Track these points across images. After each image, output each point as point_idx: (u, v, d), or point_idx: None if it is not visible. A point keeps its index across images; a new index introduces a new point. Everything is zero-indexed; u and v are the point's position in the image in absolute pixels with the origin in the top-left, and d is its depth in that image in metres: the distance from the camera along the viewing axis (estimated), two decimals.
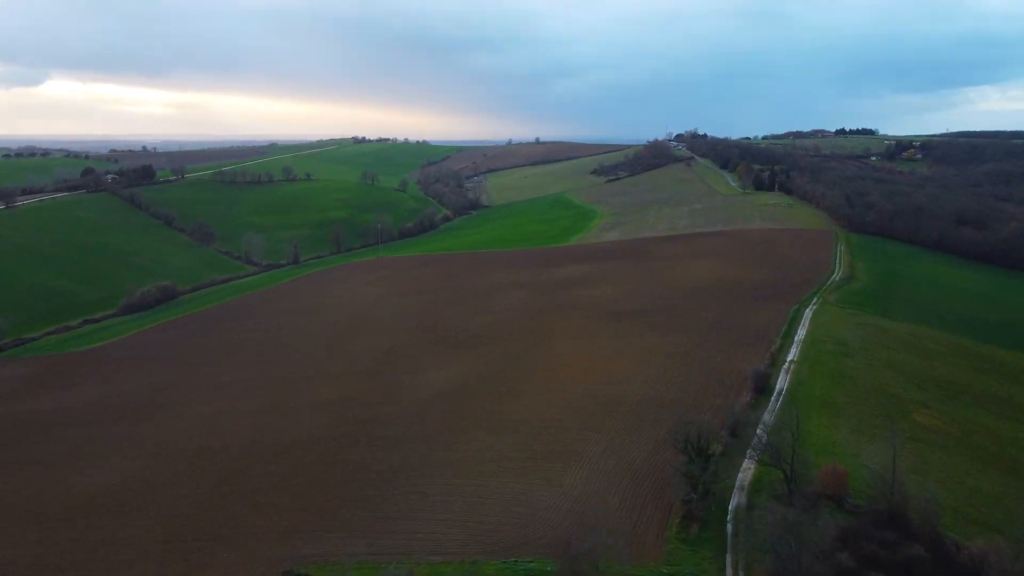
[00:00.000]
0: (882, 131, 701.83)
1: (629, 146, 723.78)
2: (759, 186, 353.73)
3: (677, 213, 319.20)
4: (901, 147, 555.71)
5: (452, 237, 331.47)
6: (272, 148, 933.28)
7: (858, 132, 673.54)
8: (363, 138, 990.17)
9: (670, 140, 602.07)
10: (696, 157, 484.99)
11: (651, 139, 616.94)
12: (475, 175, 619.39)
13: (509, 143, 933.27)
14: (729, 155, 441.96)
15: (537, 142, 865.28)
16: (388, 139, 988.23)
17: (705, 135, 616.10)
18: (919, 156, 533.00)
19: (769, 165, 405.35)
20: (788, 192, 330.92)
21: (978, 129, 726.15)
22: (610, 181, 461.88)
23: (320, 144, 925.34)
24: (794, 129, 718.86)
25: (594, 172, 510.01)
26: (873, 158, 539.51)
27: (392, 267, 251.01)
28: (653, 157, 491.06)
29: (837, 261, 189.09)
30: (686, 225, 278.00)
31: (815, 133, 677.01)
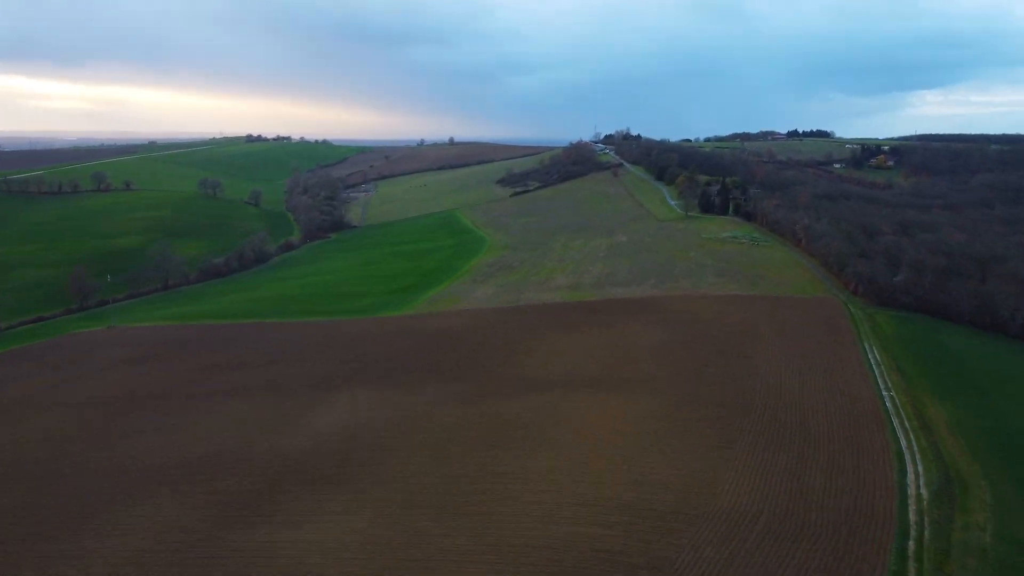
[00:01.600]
0: (838, 134, 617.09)
1: (552, 148, 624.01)
2: (707, 207, 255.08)
3: (591, 249, 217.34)
4: (869, 152, 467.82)
5: (249, 287, 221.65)
6: (150, 147, 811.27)
7: (813, 134, 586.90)
8: (257, 136, 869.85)
9: (596, 142, 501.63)
10: (626, 164, 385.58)
11: (576, 140, 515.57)
12: (364, 183, 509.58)
13: (421, 144, 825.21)
14: (666, 162, 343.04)
15: (451, 143, 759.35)
16: (286, 138, 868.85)
17: (638, 136, 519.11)
18: (891, 163, 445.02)
19: (717, 176, 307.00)
20: (748, 217, 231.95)
21: (930, 132, 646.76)
22: (516, 195, 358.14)
23: (212, 143, 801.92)
24: (740, 131, 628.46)
25: (500, 182, 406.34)
26: (836, 165, 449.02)
27: (84, 353, 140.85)
28: (572, 163, 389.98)
29: (892, 413, 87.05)
30: (599, 276, 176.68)
31: (765, 135, 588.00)
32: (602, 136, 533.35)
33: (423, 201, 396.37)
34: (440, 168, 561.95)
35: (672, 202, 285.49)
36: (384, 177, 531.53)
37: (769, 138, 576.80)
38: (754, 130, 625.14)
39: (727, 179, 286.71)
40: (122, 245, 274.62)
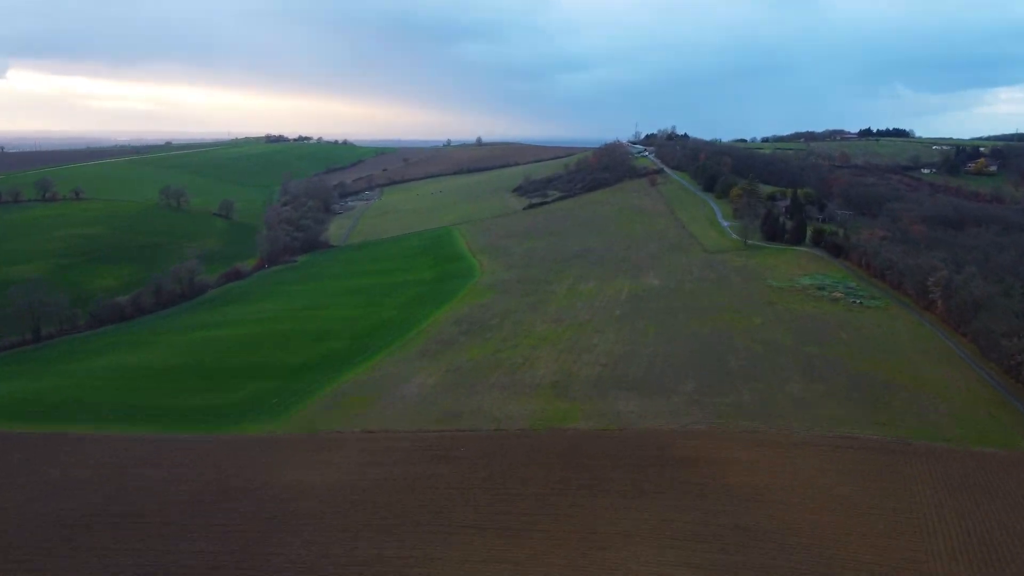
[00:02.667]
0: (917, 133, 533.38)
1: (586, 149, 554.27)
2: (773, 231, 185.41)
3: (606, 299, 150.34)
4: (965, 155, 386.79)
5: (127, 344, 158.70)
6: (166, 147, 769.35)
7: (889, 133, 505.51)
8: (278, 137, 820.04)
9: (634, 142, 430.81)
10: (667, 170, 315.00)
11: (612, 140, 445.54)
12: (369, 189, 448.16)
13: (448, 144, 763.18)
14: (717, 168, 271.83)
15: (478, 143, 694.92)
16: (307, 138, 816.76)
17: (684, 136, 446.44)
18: (993, 167, 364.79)
19: (783, 187, 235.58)
20: (835, 251, 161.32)
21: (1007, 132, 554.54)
22: (531, 207, 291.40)
23: (227, 144, 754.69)
24: (803, 130, 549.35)
25: (517, 190, 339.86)
26: (925, 171, 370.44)
27: None
28: (601, 169, 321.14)
29: None
30: (605, 366, 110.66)
31: (832, 134, 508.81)
32: (642, 136, 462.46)
33: (424, 213, 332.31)
34: (457, 172, 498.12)
35: (725, 223, 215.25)
36: (395, 183, 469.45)
37: (838, 138, 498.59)
38: (816, 128, 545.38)
39: (798, 191, 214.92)
40: (18, 275, 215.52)
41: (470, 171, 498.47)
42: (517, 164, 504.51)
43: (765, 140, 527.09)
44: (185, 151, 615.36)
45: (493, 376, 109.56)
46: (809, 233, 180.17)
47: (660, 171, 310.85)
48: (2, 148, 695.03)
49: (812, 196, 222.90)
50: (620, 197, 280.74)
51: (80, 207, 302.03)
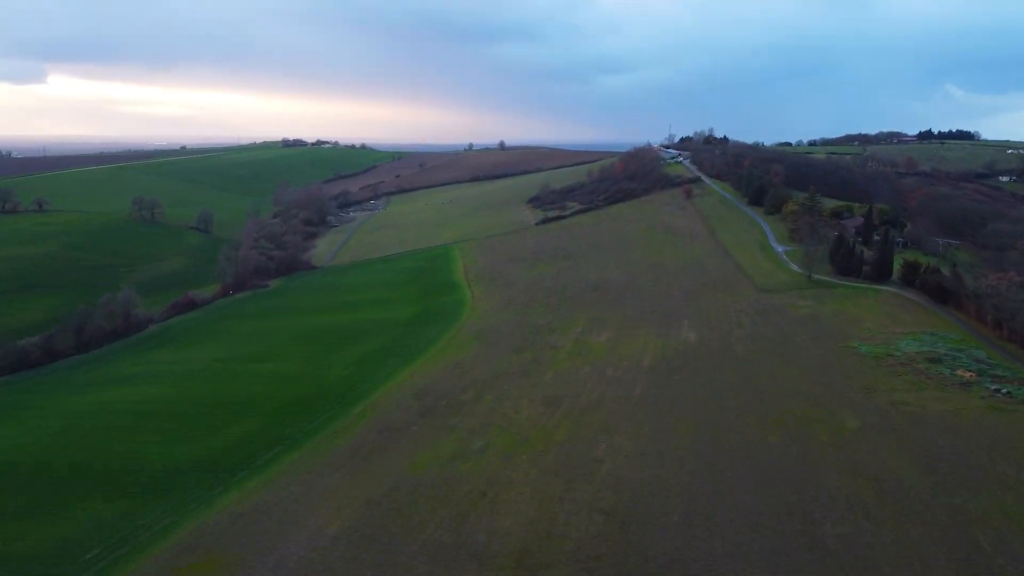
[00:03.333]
0: (983, 135, 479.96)
1: (615, 154, 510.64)
2: (846, 264, 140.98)
3: (623, 365, 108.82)
4: None
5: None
6: (182, 151, 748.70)
7: (952, 136, 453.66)
8: (294, 141, 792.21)
9: (667, 147, 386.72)
10: (704, 179, 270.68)
11: (643, 144, 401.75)
12: (375, 198, 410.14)
13: (470, 148, 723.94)
14: (765, 178, 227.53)
15: (500, 147, 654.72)
16: (326, 142, 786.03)
17: (724, 139, 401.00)
18: None
19: (849, 202, 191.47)
20: (940, 296, 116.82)
21: None
22: (545, 222, 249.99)
23: (243, 148, 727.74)
24: (853, 132, 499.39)
25: (533, 201, 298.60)
26: (1004, 178, 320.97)
27: None
28: (628, 178, 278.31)
29: None
30: (608, 517, 66.17)
31: (889, 137, 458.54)
32: (676, 139, 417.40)
33: (427, 227, 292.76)
34: (474, 179, 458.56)
35: (780, 248, 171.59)
36: (404, 191, 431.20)
37: (895, 140, 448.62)
38: (866, 131, 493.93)
39: (874, 207, 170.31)
40: None
41: (488, 178, 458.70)
42: (539, 170, 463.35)
43: (812, 143, 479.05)
44: (186, 156, 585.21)
45: (430, 525, 68.25)
46: (897, 267, 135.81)
47: (696, 180, 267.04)
48: (9, 153, 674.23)
49: (888, 214, 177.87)
50: (649, 212, 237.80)
51: (36, 220, 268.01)
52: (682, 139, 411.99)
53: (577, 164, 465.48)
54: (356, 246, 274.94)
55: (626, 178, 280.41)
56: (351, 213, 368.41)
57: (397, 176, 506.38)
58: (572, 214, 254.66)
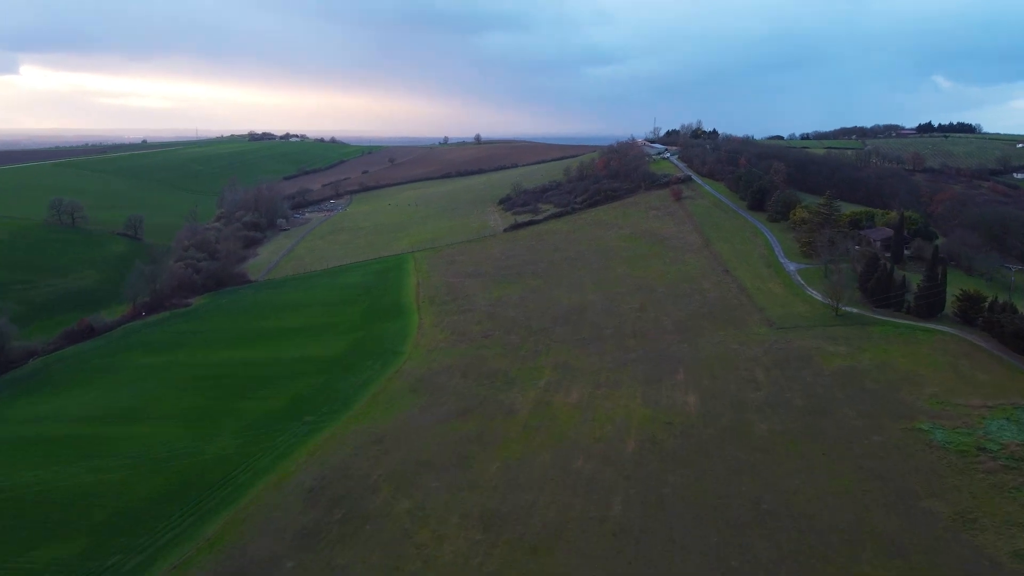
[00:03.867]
0: (983, 128, 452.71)
1: (595, 149, 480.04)
2: (882, 293, 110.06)
3: (600, 435, 79.92)
4: None
5: None
6: (142, 145, 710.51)
7: (954, 129, 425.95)
8: (262, 135, 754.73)
9: (652, 141, 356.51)
10: (695, 178, 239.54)
11: (626, 138, 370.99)
12: (336, 196, 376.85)
13: (444, 142, 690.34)
14: (766, 178, 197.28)
15: (476, 141, 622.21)
16: (296, 136, 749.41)
17: (713, 133, 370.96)
18: None
19: (864, 207, 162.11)
20: (1015, 340, 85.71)
21: None
22: (515, 228, 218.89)
23: (208, 143, 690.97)
24: (846, 125, 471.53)
25: (504, 202, 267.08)
26: (1018, 175, 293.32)
27: None
28: (610, 176, 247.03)
29: None
30: None
31: (887, 130, 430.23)
32: (661, 132, 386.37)
33: (385, 232, 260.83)
34: (445, 176, 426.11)
35: (790, 266, 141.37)
36: (369, 188, 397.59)
37: (893, 134, 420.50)
38: (857, 123, 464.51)
39: (904, 214, 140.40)
40: None
41: (461, 174, 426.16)
42: (515, 166, 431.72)
43: (805, 137, 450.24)
44: (144, 151, 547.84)
45: None
46: (950, 299, 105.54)
47: (686, 180, 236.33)
48: None
49: (918, 222, 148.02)
50: (633, 217, 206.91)
51: None
52: (668, 133, 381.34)
53: (555, 159, 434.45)
54: (302, 255, 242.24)
55: (607, 176, 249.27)
56: (307, 214, 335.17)
57: (364, 172, 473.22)
58: (546, 218, 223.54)
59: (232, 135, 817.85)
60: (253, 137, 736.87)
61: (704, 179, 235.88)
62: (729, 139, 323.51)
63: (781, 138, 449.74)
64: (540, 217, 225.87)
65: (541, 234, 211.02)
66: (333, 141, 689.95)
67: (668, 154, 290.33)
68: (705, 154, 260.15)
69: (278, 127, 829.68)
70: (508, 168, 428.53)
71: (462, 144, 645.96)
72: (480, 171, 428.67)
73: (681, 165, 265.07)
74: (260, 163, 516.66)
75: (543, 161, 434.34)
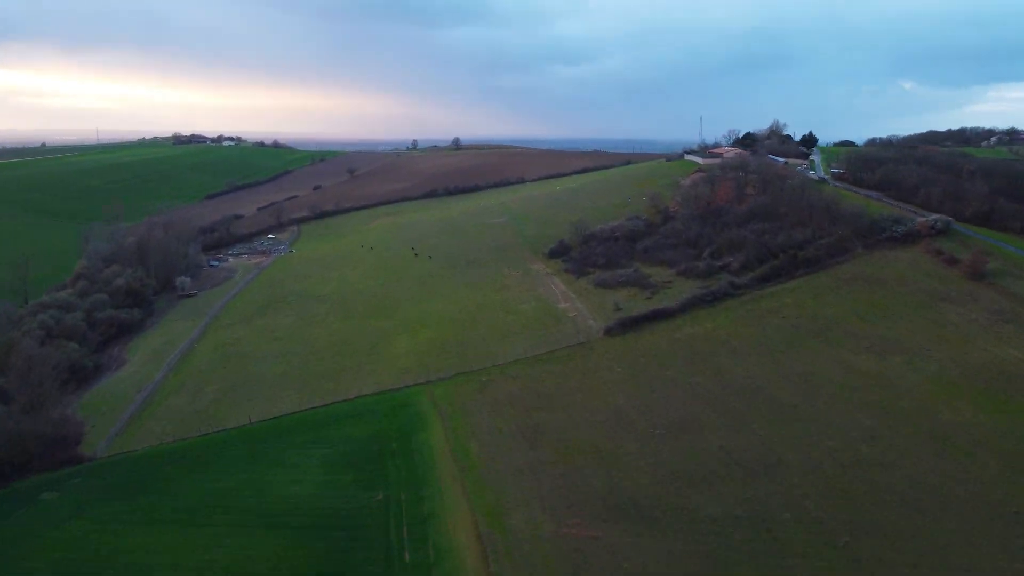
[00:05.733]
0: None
1: (616, 155, 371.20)
2: None
3: None
4: None
5: None
6: (42, 149, 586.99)
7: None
8: (189, 137, 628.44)
9: (706, 149, 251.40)
10: (954, 224, 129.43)
11: (696, 144, 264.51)
12: (276, 227, 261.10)
13: (414, 147, 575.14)
14: None
15: (455, 146, 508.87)
16: (230, 139, 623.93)
17: (810, 136, 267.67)
18: None
19: None
20: None
21: None
22: (623, 329, 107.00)
23: (119, 147, 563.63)
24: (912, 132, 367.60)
25: (559, 256, 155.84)
26: None
27: None
28: (758, 217, 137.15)
29: None
30: None
31: (1001, 137, 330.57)
32: (734, 137, 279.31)
33: (356, 317, 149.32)
34: (427, 195, 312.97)
35: None
36: (323, 215, 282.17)
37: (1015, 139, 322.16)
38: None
39: None
40: None
41: (449, 192, 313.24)
42: (523, 181, 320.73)
43: (842, 145, 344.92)
44: (27, 158, 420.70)
45: None
46: None
47: (942, 228, 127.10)
48: None
49: None
50: (903, 318, 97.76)
51: None
52: (745, 136, 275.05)
53: (577, 173, 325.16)
54: (202, 373, 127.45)
55: (753, 217, 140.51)
56: (230, 258, 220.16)
57: (317, 188, 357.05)
58: (680, 307, 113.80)
59: (155, 137, 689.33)
60: (178, 140, 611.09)
61: (966, 225, 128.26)
62: (871, 147, 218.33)
63: (853, 144, 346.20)
64: (671, 305, 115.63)
65: (692, 351, 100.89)
66: (276, 145, 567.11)
67: (817, 172, 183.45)
68: (903, 173, 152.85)
69: (215, 128, 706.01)
70: (514, 184, 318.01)
71: (435, 149, 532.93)
72: (475, 188, 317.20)
73: (858, 190, 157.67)
74: (179, 175, 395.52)
75: (560, 175, 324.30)
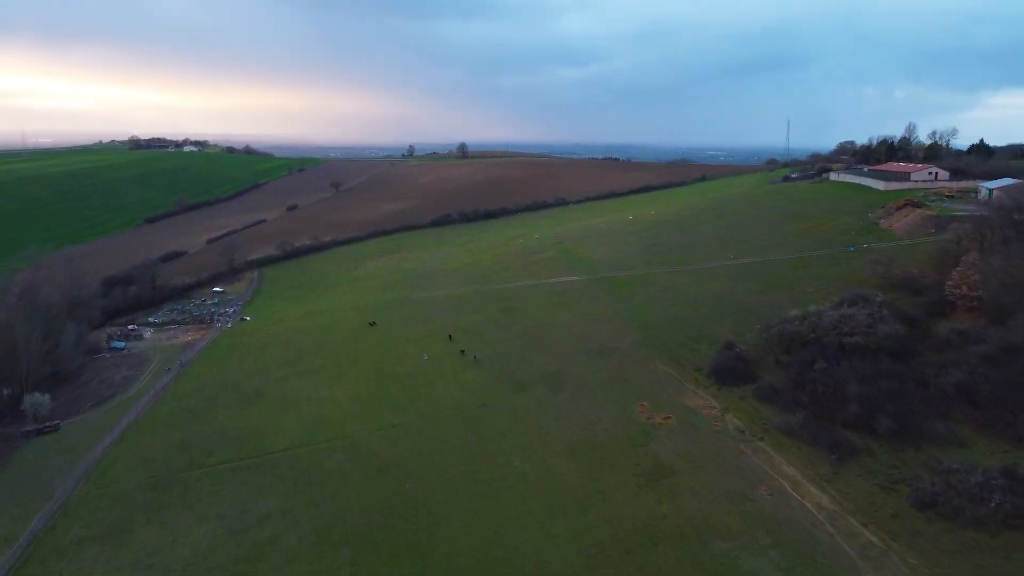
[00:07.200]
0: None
1: (684, 168, 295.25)
2: None
3: None
4: None
5: None
6: None
7: None
8: (149, 141, 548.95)
9: (779, 167, 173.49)
10: None
11: (781, 152, 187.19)
12: (227, 275, 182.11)
13: (410, 153, 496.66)
14: None
15: (461, 153, 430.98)
16: (200, 143, 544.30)
17: (986, 147, 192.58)
18: None
19: None
20: None
21: None
22: None
23: (66, 152, 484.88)
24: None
25: (721, 374, 75.78)
26: None
27: None
28: None
29: None
30: None
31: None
32: (852, 147, 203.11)
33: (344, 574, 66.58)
34: (439, 222, 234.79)
35: None
36: (295, 255, 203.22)
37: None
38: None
39: None
40: None
41: (467, 219, 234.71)
42: (567, 203, 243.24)
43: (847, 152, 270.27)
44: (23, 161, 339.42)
45: None
46: None
47: None
48: None
49: None
50: None
51: None
52: (881, 142, 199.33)
53: (636, 192, 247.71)
54: None
55: None
56: (145, 335, 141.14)
57: (291, 208, 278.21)
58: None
59: (112, 141, 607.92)
60: (136, 145, 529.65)
61: None
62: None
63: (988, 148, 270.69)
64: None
65: None
66: (248, 151, 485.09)
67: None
68: None
69: (202, 131, 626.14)
70: (553, 206, 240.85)
71: (435, 156, 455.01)
72: (501, 211, 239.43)
73: None
74: (116, 190, 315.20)
75: (612, 195, 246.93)
